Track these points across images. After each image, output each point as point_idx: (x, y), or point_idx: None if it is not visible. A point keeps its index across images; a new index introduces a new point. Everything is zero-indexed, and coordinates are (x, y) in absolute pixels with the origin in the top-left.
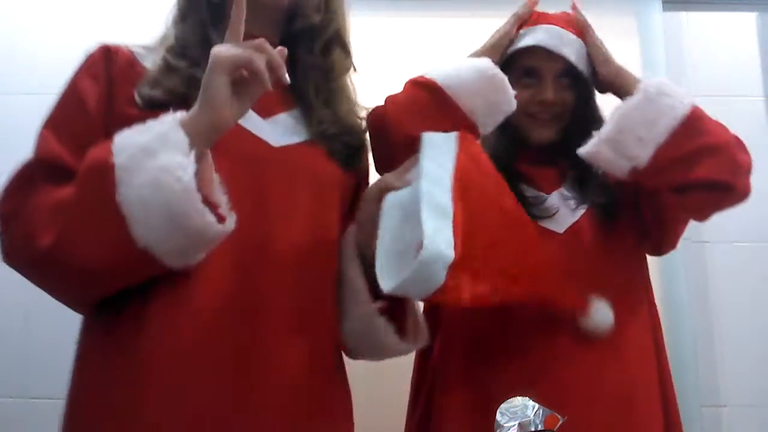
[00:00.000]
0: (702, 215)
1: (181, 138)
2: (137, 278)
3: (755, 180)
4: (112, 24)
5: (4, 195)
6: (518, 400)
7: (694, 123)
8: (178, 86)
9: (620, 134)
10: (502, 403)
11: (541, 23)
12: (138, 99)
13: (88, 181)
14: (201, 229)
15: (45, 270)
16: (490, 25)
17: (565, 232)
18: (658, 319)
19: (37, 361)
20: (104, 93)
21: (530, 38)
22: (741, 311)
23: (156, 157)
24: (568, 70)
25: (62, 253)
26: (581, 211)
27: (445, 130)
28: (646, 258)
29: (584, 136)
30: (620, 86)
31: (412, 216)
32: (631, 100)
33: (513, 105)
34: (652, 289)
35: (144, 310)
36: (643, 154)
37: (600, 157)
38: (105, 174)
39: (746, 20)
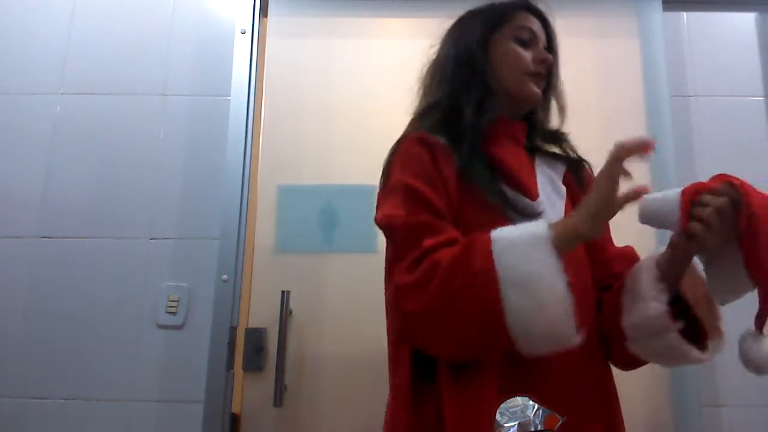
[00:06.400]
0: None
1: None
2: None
3: (755, 180)
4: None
5: None
6: (518, 400)
7: None
8: None
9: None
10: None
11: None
12: None
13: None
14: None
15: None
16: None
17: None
18: None
19: (37, 361)
20: None
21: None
22: (741, 311)
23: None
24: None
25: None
26: (560, 205)
27: None
28: None
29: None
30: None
31: None
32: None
33: None
34: None
35: None
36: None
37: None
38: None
39: (746, 20)
